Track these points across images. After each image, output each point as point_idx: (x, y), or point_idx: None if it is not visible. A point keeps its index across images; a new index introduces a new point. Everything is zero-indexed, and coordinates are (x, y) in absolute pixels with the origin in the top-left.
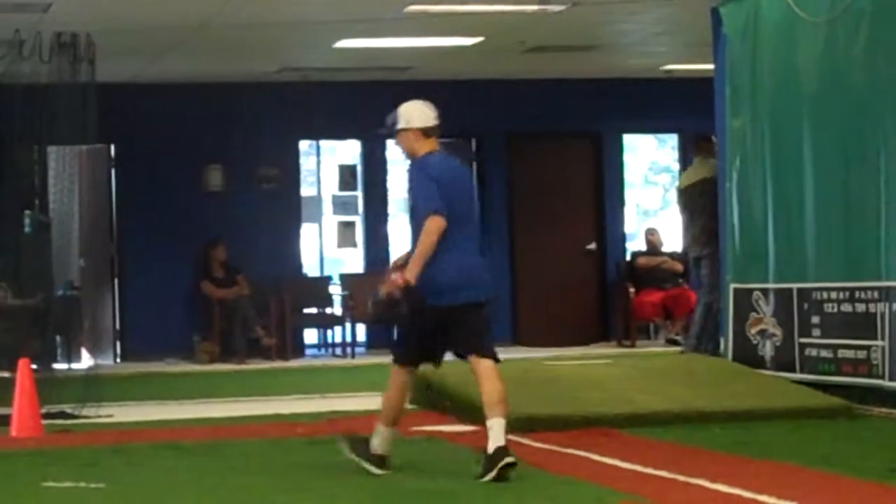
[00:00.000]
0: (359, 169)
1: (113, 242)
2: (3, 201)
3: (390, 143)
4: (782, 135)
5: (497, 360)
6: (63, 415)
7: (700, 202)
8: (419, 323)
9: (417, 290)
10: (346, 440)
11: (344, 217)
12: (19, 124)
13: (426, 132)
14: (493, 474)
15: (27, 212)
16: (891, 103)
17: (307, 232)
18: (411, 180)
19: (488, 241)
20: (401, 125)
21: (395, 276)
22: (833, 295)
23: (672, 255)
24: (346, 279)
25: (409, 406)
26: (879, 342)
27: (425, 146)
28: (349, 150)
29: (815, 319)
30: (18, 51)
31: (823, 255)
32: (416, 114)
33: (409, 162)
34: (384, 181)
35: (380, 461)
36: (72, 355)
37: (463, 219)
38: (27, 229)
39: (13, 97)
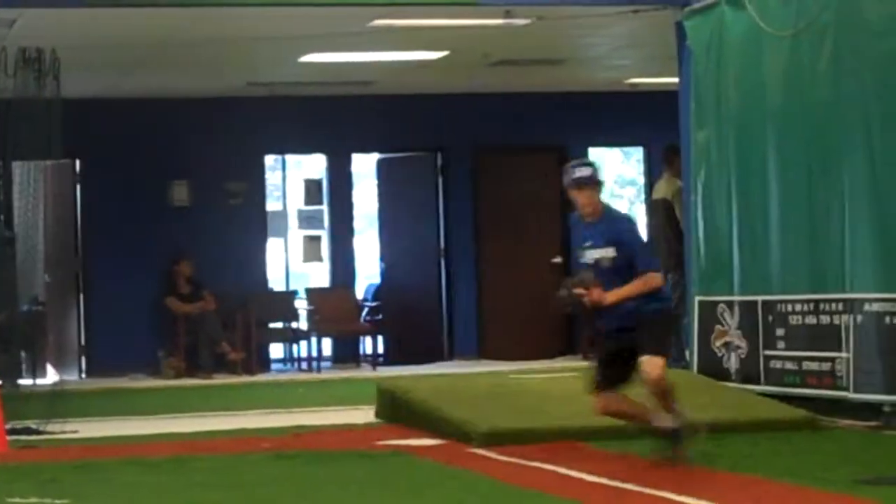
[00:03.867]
0: (324, 183)
1: (78, 258)
2: None
3: (355, 158)
4: (747, 148)
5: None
6: (28, 430)
7: (659, 222)
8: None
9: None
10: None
11: (309, 231)
12: None
13: None
14: None
15: None
16: (854, 117)
17: (273, 246)
18: (629, 230)
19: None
20: (598, 178)
21: (597, 293)
22: (798, 307)
23: None
24: (311, 293)
25: (375, 420)
26: (844, 354)
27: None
28: (315, 165)
29: (780, 332)
30: None
31: (788, 268)
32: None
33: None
34: (350, 195)
35: None
36: (37, 371)
37: None
38: None
39: None
